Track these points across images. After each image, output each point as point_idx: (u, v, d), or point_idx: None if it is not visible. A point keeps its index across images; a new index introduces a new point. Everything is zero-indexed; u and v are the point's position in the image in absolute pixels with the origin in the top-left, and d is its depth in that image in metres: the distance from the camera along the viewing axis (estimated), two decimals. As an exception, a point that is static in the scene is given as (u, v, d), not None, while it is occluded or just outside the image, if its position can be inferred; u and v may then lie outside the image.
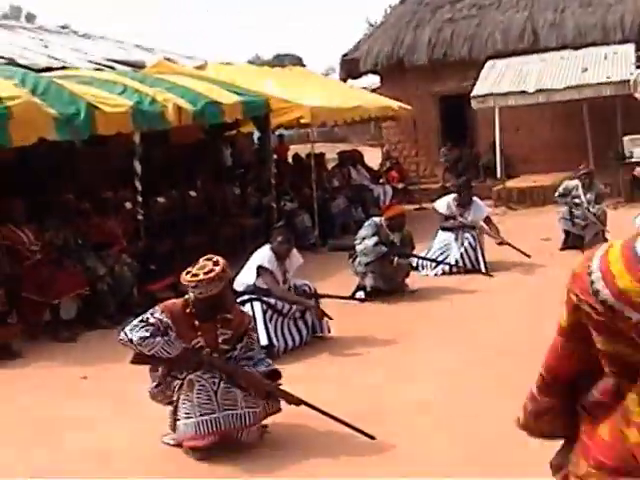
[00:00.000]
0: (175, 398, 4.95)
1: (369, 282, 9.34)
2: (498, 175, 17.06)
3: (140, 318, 4.92)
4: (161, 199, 11.68)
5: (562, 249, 11.42)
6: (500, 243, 10.76)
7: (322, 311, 7.54)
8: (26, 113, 8.44)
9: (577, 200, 11.41)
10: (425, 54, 19.61)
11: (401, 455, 4.84)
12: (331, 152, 19.76)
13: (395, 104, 17.06)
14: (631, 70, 15.75)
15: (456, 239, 10.66)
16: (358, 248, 9.33)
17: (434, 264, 10.54)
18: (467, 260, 10.48)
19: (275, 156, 16.74)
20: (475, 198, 11.03)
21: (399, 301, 9.16)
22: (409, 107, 17.68)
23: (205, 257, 5.08)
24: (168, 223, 11.31)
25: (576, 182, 11.56)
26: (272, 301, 7.30)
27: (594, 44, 17.93)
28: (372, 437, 5.00)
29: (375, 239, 9.23)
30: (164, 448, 5.18)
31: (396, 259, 9.28)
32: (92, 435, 5.58)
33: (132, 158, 9.90)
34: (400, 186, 18.83)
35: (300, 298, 7.55)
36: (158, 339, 4.84)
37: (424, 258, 10.49)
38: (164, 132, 11.53)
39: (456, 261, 10.47)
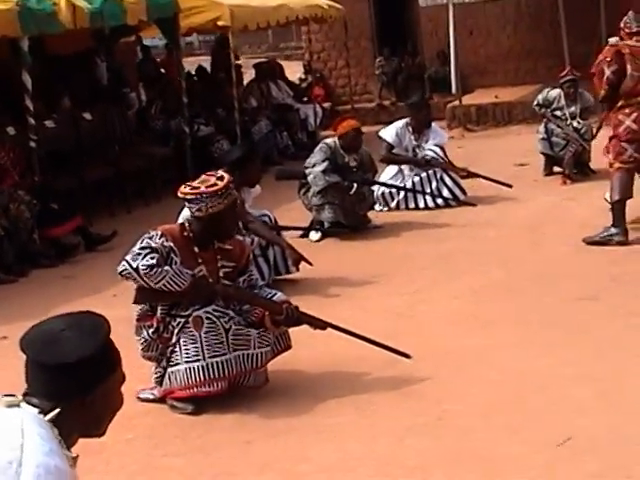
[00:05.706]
0: (174, 341, 5.25)
1: (326, 216, 9.66)
2: (453, 90, 17.57)
3: (140, 245, 5.22)
4: (50, 123, 11.74)
5: (547, 174, 11.77)
6: (467, 175, 10.99)
7: (299, 254, 7.87)
8: None
9: (558, 112, 11.63)
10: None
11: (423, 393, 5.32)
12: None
13: (324, 2, 17.29)
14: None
15: (411, 169, 10.91)
16: (309, 178, 9.67)
17: (396, 197, 10.73)
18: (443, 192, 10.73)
19: (163, 70, 16.93)
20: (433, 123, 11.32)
21: (365, 238, 9.58)
22: (340, 6, 17.92)
23: (207, 173, 5.46)
24: (60, 154, 11.42)
25: (558, 91, 11.75)
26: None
27: None
28: (408, 356, 5.61)
29: (325, 165, 9.54)
30: (141, 405, 5.49)
31: (355, 186, 9.59)
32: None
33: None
34: (326, 105, 19.02)
35: (274, 235, 7.92)
36: (167, 268, 5.14)
37: (390, 186, 10.69)
38: (38, 40, 11.37)
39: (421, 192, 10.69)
